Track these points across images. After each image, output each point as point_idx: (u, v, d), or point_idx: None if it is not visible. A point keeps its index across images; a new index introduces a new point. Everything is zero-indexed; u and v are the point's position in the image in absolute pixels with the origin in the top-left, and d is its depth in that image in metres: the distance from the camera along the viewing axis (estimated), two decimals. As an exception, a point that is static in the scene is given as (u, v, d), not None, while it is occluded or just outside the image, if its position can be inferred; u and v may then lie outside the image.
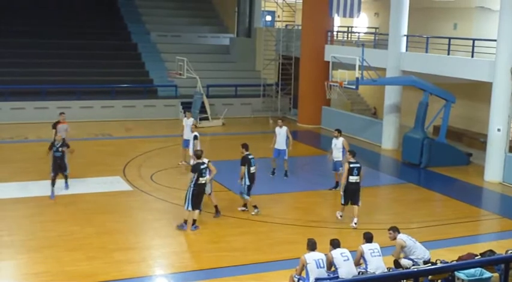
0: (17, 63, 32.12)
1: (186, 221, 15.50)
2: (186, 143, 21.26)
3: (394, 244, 12.35)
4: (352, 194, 16.29)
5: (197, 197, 15.47)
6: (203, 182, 15.48)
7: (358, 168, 16.27)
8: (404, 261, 12.02)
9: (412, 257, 12.05)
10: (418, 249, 12.18)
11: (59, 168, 18.04)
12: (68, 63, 32.95)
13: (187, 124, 21.40)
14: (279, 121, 20.91)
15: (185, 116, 22.26)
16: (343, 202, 16.44)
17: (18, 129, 27.10)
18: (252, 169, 16.73)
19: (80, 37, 35.07)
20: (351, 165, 16.25)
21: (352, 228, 16.09)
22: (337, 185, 19.12)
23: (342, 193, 16.48)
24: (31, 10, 36.23)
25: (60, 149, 17.94)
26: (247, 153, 16.85)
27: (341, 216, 16.66)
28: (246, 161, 16.58)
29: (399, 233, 12.40)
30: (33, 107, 29.19)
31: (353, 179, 16.18)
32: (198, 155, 15.94)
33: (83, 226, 15.69)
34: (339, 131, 19.31)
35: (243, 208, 17.15)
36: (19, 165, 21.34)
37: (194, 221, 15.57)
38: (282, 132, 20.42)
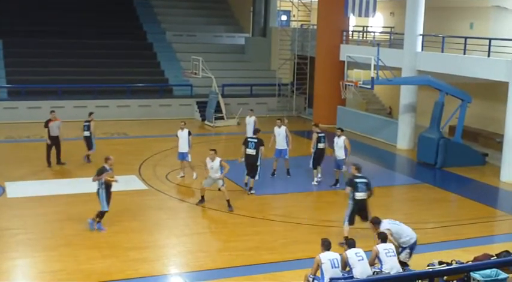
0: (34, 62, 32.39)
1: (346, 238, 14.34)
2: None
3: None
4: (319, 159, 19.67)
5: (356, 212, 14.71)
6: (360, 197, 14.63)
7: (324, 137, 19.76)
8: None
9: (401, 240, 12.27)
10: (405, 230, 12.40)
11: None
12: (84, 63, 33.15)
13: (250, 122, 22.45)
14: (278, 121, 20.91)
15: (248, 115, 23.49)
16: (311, 166, 19.75)
17: (35, 128, 27.21)
18: (248, 151, 18.57)
19: (96, 37, 35.28)
20: (319, 135, 19.62)
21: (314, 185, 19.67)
22: (336, 182, 19.60)
23: (311, 159, 19.71)
24: (48, 10, 36.45)
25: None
26: (248, 136, 19.48)
27: (317, 181, 19.83)
28: (244, 142, 18.91)
29: (381, 223, 12.40)
30: (49, 106, 29.21)
31: (320, 145, 19.63)
32: (358, 168, 14.98)
33: (99, 225, 15.78)
34: (341, 130, 19.58)
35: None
36: (35, 164, 21.49)
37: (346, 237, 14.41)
38: (281, 133, 20.52)
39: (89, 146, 21.77)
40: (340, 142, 19.16)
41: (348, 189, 14.63)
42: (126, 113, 30.69)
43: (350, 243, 11.49)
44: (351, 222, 14.69)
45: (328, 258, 11.02)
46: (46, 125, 21.17)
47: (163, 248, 14.80)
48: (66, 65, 32.71)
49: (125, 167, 21.49)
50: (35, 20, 35.41)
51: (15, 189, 18.54)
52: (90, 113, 22.23)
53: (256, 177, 18.67)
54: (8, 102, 29.61)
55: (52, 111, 21.83)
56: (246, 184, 18.88)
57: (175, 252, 14.52)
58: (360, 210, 14.65)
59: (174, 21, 38.75)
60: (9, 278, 12.89)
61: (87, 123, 21.72)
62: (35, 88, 30.60)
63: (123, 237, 14.99)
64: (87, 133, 21.68)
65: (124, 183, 19.55)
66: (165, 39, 37.04)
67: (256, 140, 18.61)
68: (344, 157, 19.17)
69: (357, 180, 14.61)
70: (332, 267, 10.95)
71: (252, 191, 18.59)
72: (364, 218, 14.59)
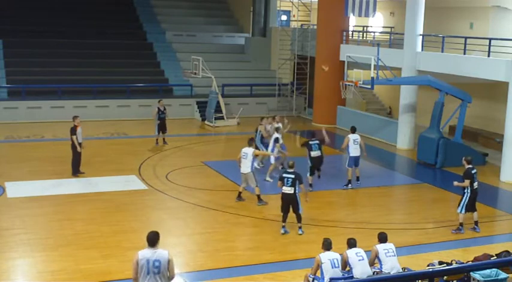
0: (33, 62, 32.37)
1: (461, 224, 15.82)
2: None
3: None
4: (317, 165, 19.21)
5: (472, 201, 15.81)
6: (476, 187, 15.74)
7: (318, 144, 19.06)
8: None
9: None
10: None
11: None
12: (84, 63, 33.13)
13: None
14: (276, 117, 21.87)
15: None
16: (309, 174, 18.99)
17: (35, 128, 27.31)
18: (313, 154, 18.97)
19: (96, 37, 35.29)
20: (310, 142, 19.06)
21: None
22: (357, 179, 19.83)
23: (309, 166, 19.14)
24: (47, 10, 36.47)
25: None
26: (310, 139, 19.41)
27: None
28: (306, 145, 19.27)
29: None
30: (49, 106, 29.40)
31: (314, 154, 18.96)
32: (468, 160, 15.88)
33: (99, 225, 15.78)
34: (351, 129, 19.95)
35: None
36: (35, 164, 21.49)
37: (476, 222, 16.07)
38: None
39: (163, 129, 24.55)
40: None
41: (467, 181, 15.59)
42: (126, 112, 30.67)
43: (351, 242, 11.47)
44: (467, 210, 15.86)
45: (328, 258, 11.01)
46: (74, 131, 19.73)
47: (163, 248, 14.75)
48: (66, 65, 32.68)
49: (124, 167, 21.52)
50: (35, 20, 35.37)
51: (15, 189, 18.52)
52: (160, 100, 25.03)
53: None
54: (8, 102, 29.57)
55: (76, 117, 20.04)
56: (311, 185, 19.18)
57: (175, 252, 14.46)
58: (474, 199, 15.84)
59: (174, 21, 38.75)
60: (9, 278, 12.87)
61: (161, 108, 24.33)
62: (35, 88, 30.58)
63: (122, 237, 14.98)
64: (162, 116, 24.37)
65: (124, 183, 19.66)
66: (165, 39, 37.03)
67: (318, 142, 19.17)
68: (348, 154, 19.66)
69: (473, 171, 15.66)
70: (332, 267, 10.94)
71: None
72: (474, 208, 15.96)
